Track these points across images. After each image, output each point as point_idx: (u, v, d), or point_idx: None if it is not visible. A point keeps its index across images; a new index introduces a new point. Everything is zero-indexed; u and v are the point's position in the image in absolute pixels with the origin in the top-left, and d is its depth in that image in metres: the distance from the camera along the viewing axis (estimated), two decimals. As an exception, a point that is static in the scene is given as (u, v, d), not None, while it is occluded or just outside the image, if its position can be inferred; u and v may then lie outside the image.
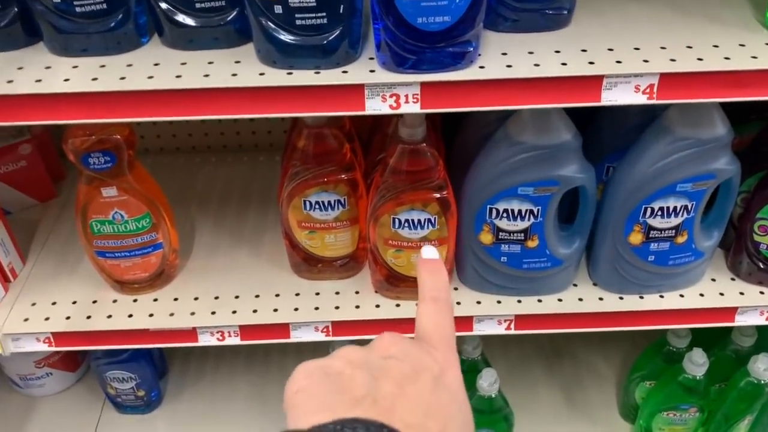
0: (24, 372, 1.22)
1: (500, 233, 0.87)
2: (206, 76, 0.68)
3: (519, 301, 0.93)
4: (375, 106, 0.69)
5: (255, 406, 1.24)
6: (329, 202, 0.89)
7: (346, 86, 0.68)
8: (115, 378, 1.17)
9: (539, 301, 0.93)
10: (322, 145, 0.85)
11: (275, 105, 0.69)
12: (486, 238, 0.88)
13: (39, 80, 0.68)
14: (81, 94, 0.67)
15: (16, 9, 0.71)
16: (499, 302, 0.93)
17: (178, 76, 0.68)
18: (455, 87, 0.68)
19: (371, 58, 0.70)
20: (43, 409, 1.25)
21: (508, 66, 0.69)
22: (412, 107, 0.69)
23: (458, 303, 0.93)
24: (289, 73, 0.68)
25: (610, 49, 0.70)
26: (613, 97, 0.70)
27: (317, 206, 0.89)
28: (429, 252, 0.47)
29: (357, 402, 0.37)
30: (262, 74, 0.68)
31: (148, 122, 1.22)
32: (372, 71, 0.69)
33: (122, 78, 0.68)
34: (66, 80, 0.68)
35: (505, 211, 0.84)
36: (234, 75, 0.68)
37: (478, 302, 0.93)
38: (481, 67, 0.69)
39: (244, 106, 0.69)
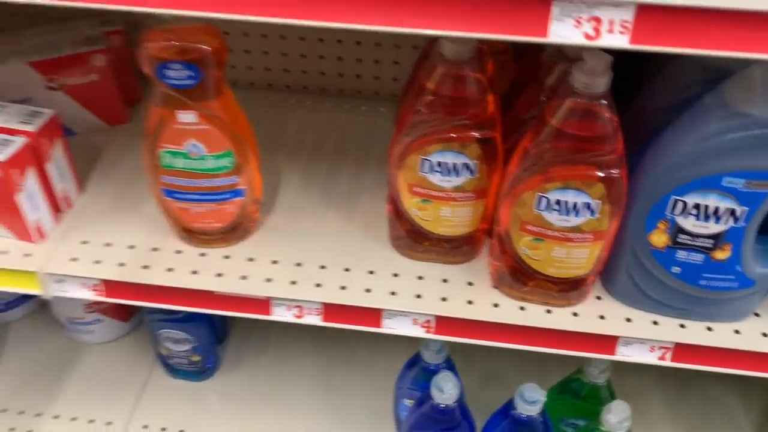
0: (72, 315, 1.09)
1: (680, 235, 0.65)
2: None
3: (682, 326, 0.72)
4: (563, 32, 0.48)
5: (319, 393, 1.08)
6: (455, 166, 0.69)
7: (526, -2, 0.47)
8: (169, 338, 1.02)
9: (709, 329, 0.71)
10: (459, 89, 0.65)
11: (390, 14, 0.49)
12: (659, 239, 0.66)
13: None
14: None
15: None
16: (655, 323, 0.72)
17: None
18: (693, 15, 0.46)
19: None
20: (87, 357, 1.12)
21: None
22: (616, 39, 0.48)
23: (601, 317, 0.72)
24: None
25: None
26: None
27: (439, 169, 0.70)
28: None
29: None
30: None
31: (239, 50, 1.07)
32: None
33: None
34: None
35: (696, 206, 0.63)
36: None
37: (628, 320, 0.72)
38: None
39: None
